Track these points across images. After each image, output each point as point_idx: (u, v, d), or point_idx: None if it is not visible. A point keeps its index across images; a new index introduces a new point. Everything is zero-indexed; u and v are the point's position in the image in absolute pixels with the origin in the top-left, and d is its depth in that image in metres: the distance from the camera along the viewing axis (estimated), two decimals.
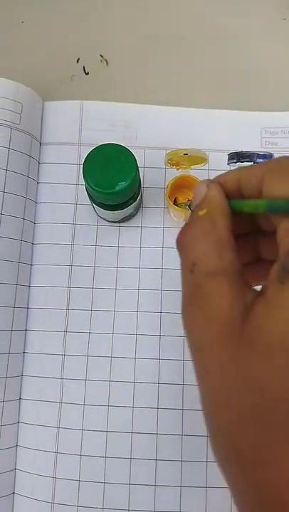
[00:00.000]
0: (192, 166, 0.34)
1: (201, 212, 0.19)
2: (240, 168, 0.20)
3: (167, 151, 0.33)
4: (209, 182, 0.20)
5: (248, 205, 0.19)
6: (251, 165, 0.20)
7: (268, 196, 0.18)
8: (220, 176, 0.21)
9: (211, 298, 0.17)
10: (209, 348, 0.16)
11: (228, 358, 0.16)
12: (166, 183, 0.36)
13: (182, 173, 0.35)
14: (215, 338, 0.16)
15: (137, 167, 0.31)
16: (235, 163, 0.32)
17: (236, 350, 0.15)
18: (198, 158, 0.33)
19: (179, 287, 0.36)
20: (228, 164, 0.33)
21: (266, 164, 0.19)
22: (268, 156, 0.32)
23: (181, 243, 0.19)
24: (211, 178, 0.37)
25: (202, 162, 0.34)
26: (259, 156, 0.32)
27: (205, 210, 0.19)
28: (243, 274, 0.18)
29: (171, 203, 0.35)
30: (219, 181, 0.20)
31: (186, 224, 0.20)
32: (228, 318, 0.16)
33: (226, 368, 0.16)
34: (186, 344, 0.35)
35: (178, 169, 0.35)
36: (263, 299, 0.16)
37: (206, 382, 0.17)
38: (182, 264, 0.19)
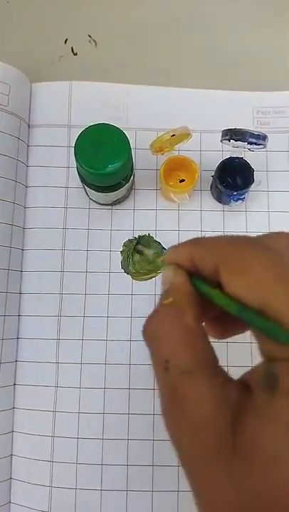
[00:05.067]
0: (175, 146, 0.34)
1: (166, 301, 0.18)
2: (192, 242, 0.19)
3: (151, 142, 0.33)
4: (176, 267, 0.19)
5: (218, 299, 0.17)
6: (202, 239, 0.19)
7: (231, 294, 0.17)
8: (175, 249, 0.19)
9: (192, 402, 0.16)
10: (199, 461, 0.15)
11: (223, 474, 0.15)
12: (159, 165, 0.35)
13: (172, 155, 0.34)
14: (204, 451, 0.15)
15: (130, 147, 0.30)
16: (229, 140, 0.31)
17: (231, 464, 0.15)
18: (181, 136, 0.32)
19: None
20: (222, 141, 0.32)
21: (220, 250, 0.18)
22: (261, 137, 0.32)
23: (149, 334, 0.18)
24: (203, 159, 0.37)
25: (185, 139, 0.33)
26: (252, 135, 0.32)
27: (171, 299, 0.18)
28: (218, 364, 0.17)
29: (168, 186, 0.34)
30: (175, 258, 0.19)
31: (153, 312, 0.18)
32: (215, 429, 0.15)
33: (222, 484, 0.15)
34: None
35: (163, 154, 0.34)
36: (253, 409, 0.15)
37: (204, 498, 0.15)
38: (153, 359, 0.17)
